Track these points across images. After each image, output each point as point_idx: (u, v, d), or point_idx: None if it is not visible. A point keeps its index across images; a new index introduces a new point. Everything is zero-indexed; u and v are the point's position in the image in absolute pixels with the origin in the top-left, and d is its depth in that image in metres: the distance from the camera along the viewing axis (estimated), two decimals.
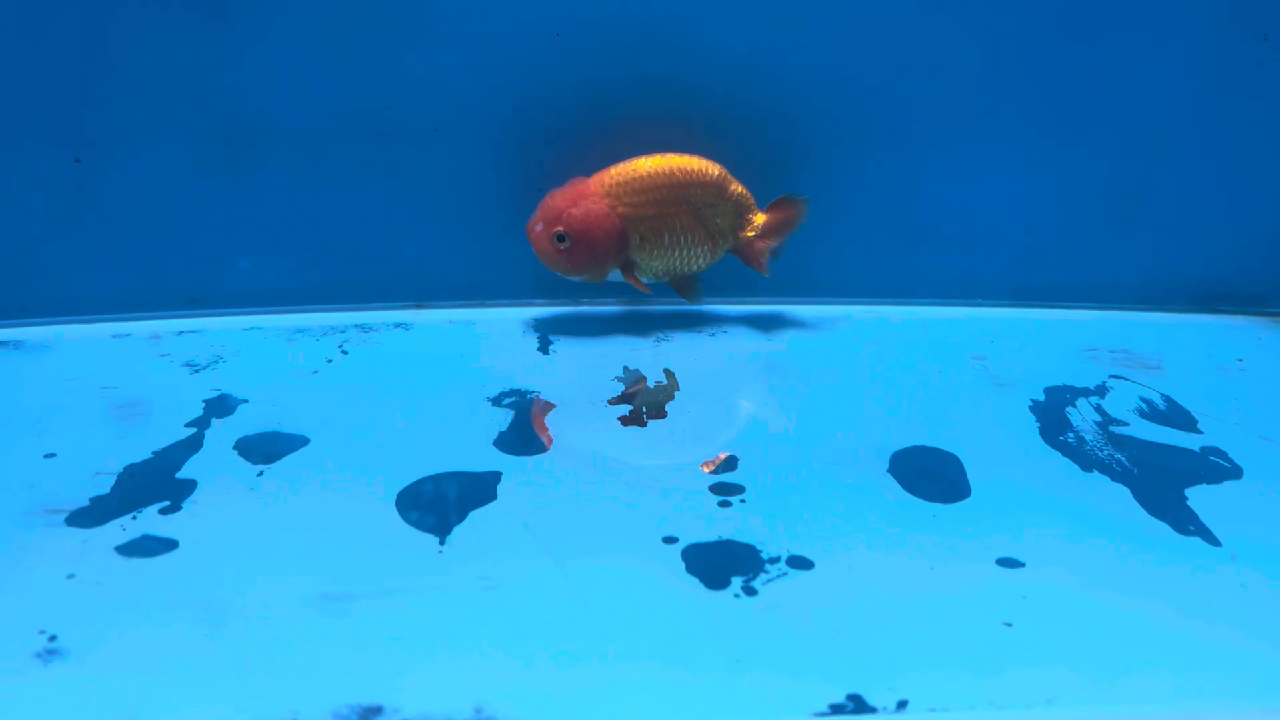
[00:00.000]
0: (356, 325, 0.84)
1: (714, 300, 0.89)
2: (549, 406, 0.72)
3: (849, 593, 0.53)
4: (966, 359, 0.80)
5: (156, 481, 0.61)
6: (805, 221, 0.84)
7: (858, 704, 0.45)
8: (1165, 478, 0.64)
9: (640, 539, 0.57)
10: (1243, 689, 0.47)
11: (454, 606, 0.51)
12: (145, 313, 0.84)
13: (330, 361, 0.78)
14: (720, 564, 0.55)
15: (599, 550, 0.56)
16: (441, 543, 0.56)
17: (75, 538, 0.55)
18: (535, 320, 0.87)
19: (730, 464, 0.64)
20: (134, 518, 0.58)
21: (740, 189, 0.83)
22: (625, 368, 0.78)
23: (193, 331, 0.82)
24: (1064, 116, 0.85)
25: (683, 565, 0.55)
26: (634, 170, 0.80)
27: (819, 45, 0.83)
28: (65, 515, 0.58)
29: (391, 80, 0.82)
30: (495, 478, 0.63)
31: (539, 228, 0.79)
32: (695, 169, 0.81)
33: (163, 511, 0.58)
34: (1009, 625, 0.51)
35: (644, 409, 0.71)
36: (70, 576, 0.52)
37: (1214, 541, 0.57)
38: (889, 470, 0.64)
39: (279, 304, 0.86)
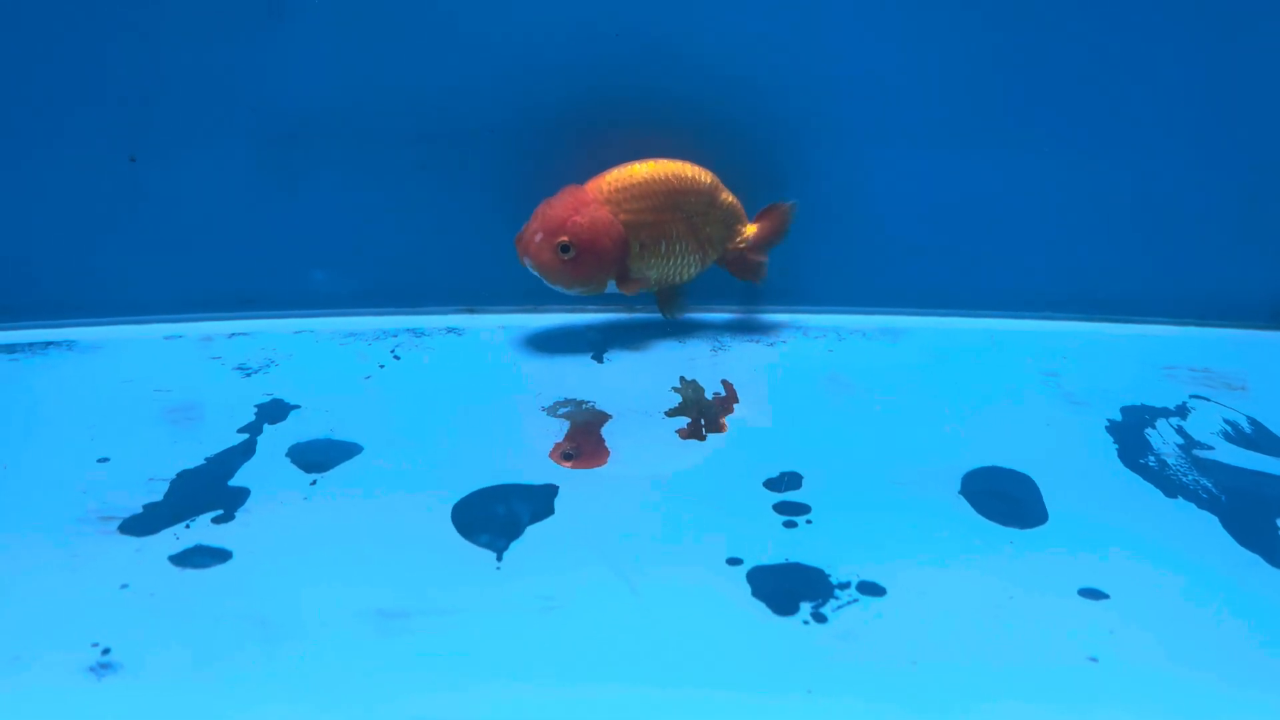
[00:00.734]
0: (409, 329, 0.83)
1: (769, 309, 0.87)
2: (604, 417, 0.70)
3: (923, 621, 0.50)
4: (1037, 375, 0.77)
5: (209, 489, 0.60)
6: (793, 225, 0.82)
7: None
8: (1254, 505, 0.61)
9: (703, 559, 0.55)
10: None
11: (514, 627, 0.49)
12: (197, 314, 0.84)
13: (383, 367, 0.77)
14: (788, 588, 0.53)
15: (661, 570, 0.54)
16: (499, 559, 0.55)
17: (129, 546, 0.55)
18: (588, 327, 0.85)
19: (794, 482, 0.62)
20: (187, 526, 0.57)
21: (731, 198, 0.81)
22: (682, 378, 0.76)
23: (244, 334, 0.82)
24: (1136, 123, 0.82)
25: (749, 588, 0.52)
26: (631, 176, 0.77)
27: (846, 50, 0.81)
28: (119, 523, 0.57)
29: (446, 82, 0.81)
30: (552, 491, 0.61)
31: (539, 238, 0.75)
32: (689, 176, 0.79)
33: (216, 520, 0.57)
34: (1094, 660, 0.48)
35: (702, 422, 0.70)
36: (124, 587, 0.51)
37: None
38: (960, 492, 0.61)
39: (331, 307, 0.85)
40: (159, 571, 0.53)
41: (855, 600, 0.52)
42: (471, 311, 0.86)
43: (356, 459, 0.64)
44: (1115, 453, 0.66)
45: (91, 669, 0.46)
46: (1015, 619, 0.51)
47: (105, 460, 0.63)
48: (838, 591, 0.52)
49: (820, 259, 0.86)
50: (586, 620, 0.50)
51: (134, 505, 0.58)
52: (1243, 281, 0.86)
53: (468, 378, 0.76)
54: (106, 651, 0.47)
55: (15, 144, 0.78)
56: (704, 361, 0.79)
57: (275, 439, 0.66)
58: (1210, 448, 0.67)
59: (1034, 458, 0.65)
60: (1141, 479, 0.63)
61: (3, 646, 0.47)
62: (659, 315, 0.85)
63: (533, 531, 0.57)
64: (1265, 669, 0.48)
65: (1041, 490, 0.62)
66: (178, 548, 0.55)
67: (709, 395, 0.73)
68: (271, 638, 0.48)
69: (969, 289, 0.86)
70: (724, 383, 0.75)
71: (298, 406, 0.70)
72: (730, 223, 0.81)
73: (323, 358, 0.78)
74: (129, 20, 0.77)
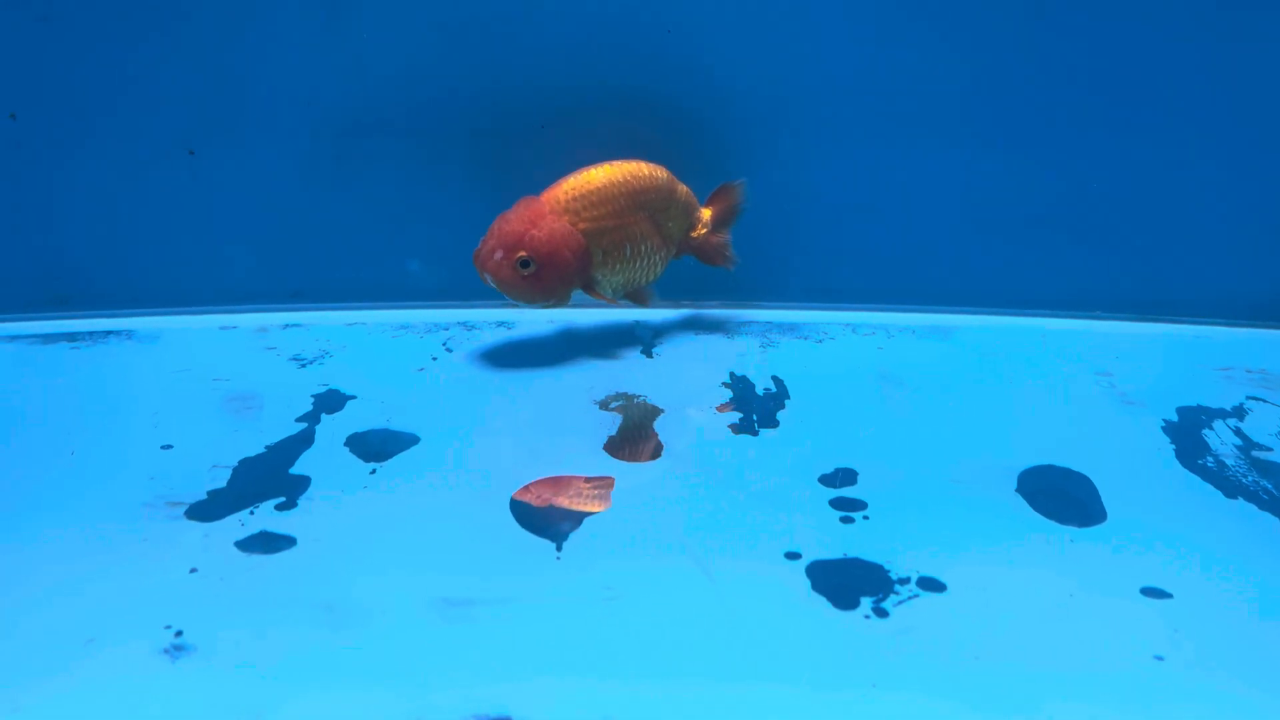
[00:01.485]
0: (459, 323, 0.84)
1: (817, 306, 0.87)
2: (657, 411, 0.71)
3: (986, 618, 0.50)
4: (1089, 374, 0.76)
5: (271, 476, 0.61)
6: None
7: None
8: None
9: (762, 553, 0.55)
10: None
11: (577, 616, 0.50)
12: (250, 305, 0.85)
13: (435, 359, 0.77)
14: (847, 582, 0.53)
15: (719, 564, 0.54)
16: (558, 549, 0.55)
17: (196, 531, 0.55)
18: (636, 322, 0.85)
19: (850, 477, 0.62)
20: (251, 513, 0.57)
21: (685, 189, 0.80)
22: (732, 373, 0.76)
23: (297, 325, 0.83)
24: (1195, 121, 0.82)
25: (808, 583, 0.53)
26: (588, 182, 0.76)
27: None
28: (185, 508, 0.57)
29: (500, 76, 0.81)
30: (606, 484, 0.61)
31: (498, 255, 0.73)
32: (646, 174, 0.78)
33: (279, 507, 0.58)
34: (1161, 659, 0.48)
35: (755, 417, 0.70)
36: (193, 571, 0.52)
37: None
38: (1017, 490, 0.61)
39: (382, 299, 0.86)
40: (226, 556, 0.53)
41: (916, 595, 0.52)
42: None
43: (414, 449, 0.65)
44: (1173, 453, 0.66)
45: (165, 651, 0.47)
46: (1078, 616, 0.51)
47: (169, 447, 0.64)
48: (898, 587, 0.52)
49: (868, 257, 0.86)
50: (648, 611, 0.50)
51: (199, 492, 0.59)
52: None
53: (520, 371, 0.76)
54: (179, 634, 0.48)
55: (79, 139, 0.80)
56: (754, 357, 0.79)
57: (333, 428, 0.67)
58: (1269, 449, 0.67)
59: (1090, 456, 0.65)
60: (1200, 479, 0.63)
61: (79, 628, 0.48)
62: (707, 310, 0.85)
63: (590, 523, 0.57)
64: None
65: (1099, 489, 0.61)
66: (243, 534, 0.55)
67: (760, 391, 0.74)
68: (338, 623, 0.49)
69: (1018, 288, 0.86)
70: (774, 378, 0.75)
71: (353, 397, 0.71)
72: (689, 212, 0.81)
73: (375, 349, 0.79)
74: (189, 16, 0.78)
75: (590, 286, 0.78)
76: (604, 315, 0.86)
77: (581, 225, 0.75)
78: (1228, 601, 0.52)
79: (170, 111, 0.80)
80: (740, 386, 0.74)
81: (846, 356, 0.80)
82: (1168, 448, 0.67)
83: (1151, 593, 0.52)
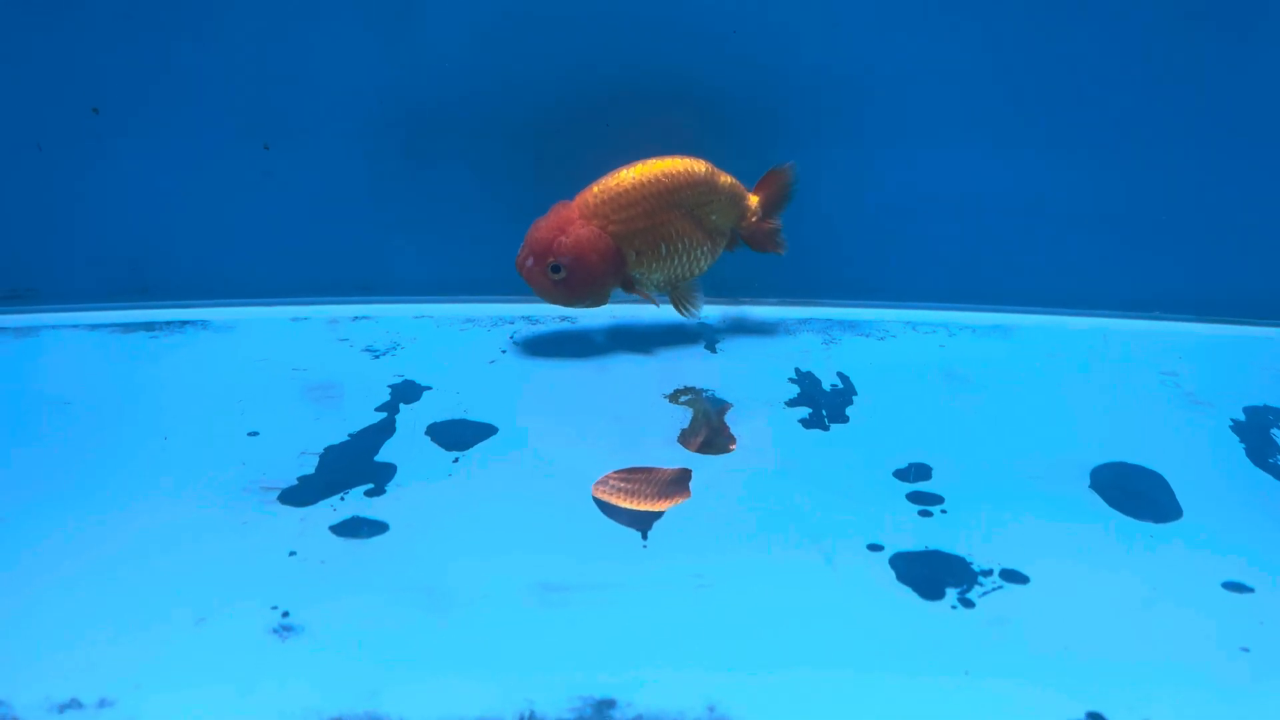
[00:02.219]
0: (524, 316, 0.85)
1: (878, 305, 0.88)
2: (726, 406, 0.72)
3: (1071, 610, 0.51)
4: (1154, 374, 0.77)
5: (357, 463, 0.62)
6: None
7: None
8: None
9: (844, 545, 0.56)
10: None
11: (671, 603, 0.51)
12: (320, 297, 0.86)
13: (504, 352, 0.79)
14: (932, 574, 0.53)
15: (801, 555, 0.55)
16: (644, 538, 0.56)
17: (292, 516, 0.57)
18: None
19: (924, 472, 0.63)
20: (342, 498, 0.59)
21: (729, 179, 0.80)
22: (797, 369, 0.77)
23: (366, 318, 0.84)
24: (1255, 117, 0.82)
25: (893, 573, 0.54)
26: (618, 185, 0.76)
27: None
28: (278, 493, 0.59)
29: (565, 73, 0.82)
30: (685, 476, 0.62)
31: (530, 263, 0.75)
32: (681, 170, 0.77)
33: (368, 494, 0.59)
34: (1246, 650, 0.48)
35: (823, 412, 0.71)
36: (292, 554, 0.54)
37: None
38: (1091, 486, 0.62)
39: (447, 293, 0.87)
40: (323, 540, 0.55)
41: (1000, 587, 0.53)
42: None
43: (493, 439, 0.66)
44: (1243, 451, 0.66)
45: (274, 631, 0.48)
46: (1162, 608, 0.51)
47: (255, 434, 0.66)
48: (981, 578, 0.53)
49: (927, 255, 0.87)
50: (739, 599, 0.51)
51: (289, 478, 0.61)
52: None
53: (586, 363, 0.77)
54: (286, 615, 0.49)
55: (158, 134, 0.81)
56: (818, 354, 0.80)
57: (412, 418, 0.68)
58: None
59: (1160, 454, 0.66)
60: (1272, 478, 0.63)
61: (191, 608, 0.49)
62: (765, 307, 0.86)
63: (673, 513, 0.59)
64: None
65: (1172, 486, 0.62)
66: (336, 518, 0.57)
67: (826, 387, 0.74)
68: (439, 607, 0.50)
69: (1078, 287, 0.87)
70: (839, 374, 0.76)
71: (429, 388, 0.72)
72: (736, 202, 0.80)
73: (444, 342, 0.81)
74: (264, 15, 0.79)
75: (630, 286, 0.79)
76: (664, 310, 0.87)
77: (612, 228, 0.76)
78: None
79: (246, 107, 0.81)
80: (807, 382, 0.75)
81: (909, 354, 0.81)
82: (1237, 446, 0.67)
83: (1233, 587, 0.53)
